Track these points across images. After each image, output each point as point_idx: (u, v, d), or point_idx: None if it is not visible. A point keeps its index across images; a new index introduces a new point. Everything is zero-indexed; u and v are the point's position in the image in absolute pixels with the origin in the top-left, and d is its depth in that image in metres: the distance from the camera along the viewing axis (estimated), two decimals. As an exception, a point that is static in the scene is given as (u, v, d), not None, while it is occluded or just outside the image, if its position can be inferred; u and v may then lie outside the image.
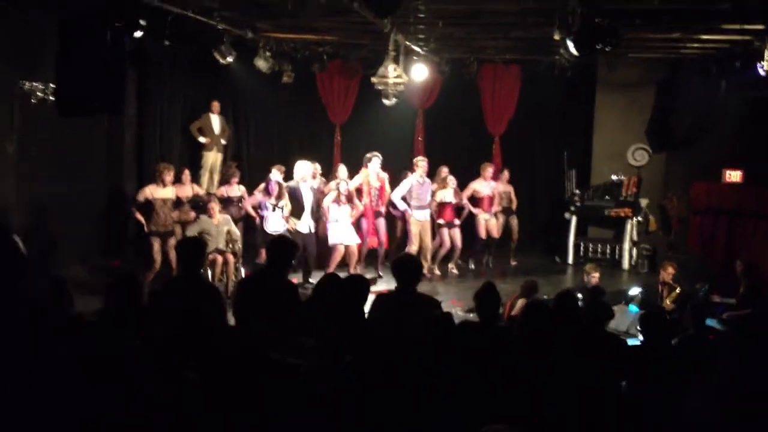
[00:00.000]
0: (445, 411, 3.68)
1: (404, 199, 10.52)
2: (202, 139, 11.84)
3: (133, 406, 3.16)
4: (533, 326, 4.50)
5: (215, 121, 11.99)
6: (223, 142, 12.11)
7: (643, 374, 4.68)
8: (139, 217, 9.42)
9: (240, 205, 10.43)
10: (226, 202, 10.27)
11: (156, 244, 9.31)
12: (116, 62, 8.99)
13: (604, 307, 5.35)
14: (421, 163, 10.57)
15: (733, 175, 11.34)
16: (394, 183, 10.69)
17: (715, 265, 10.60)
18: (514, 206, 11.91)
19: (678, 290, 8.43)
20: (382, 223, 10.63)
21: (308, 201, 9.87)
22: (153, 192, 9.39)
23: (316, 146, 12.82)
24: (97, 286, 6.34)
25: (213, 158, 11.93)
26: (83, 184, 10.04)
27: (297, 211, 9.80)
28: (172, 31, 8.91)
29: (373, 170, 10.44)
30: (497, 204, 11.58)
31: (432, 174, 10.91)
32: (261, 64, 10.61)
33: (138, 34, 7.99)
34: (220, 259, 9.34)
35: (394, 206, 10.70)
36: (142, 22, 7.84)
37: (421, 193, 10.50)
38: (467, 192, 11.30)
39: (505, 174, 11.86)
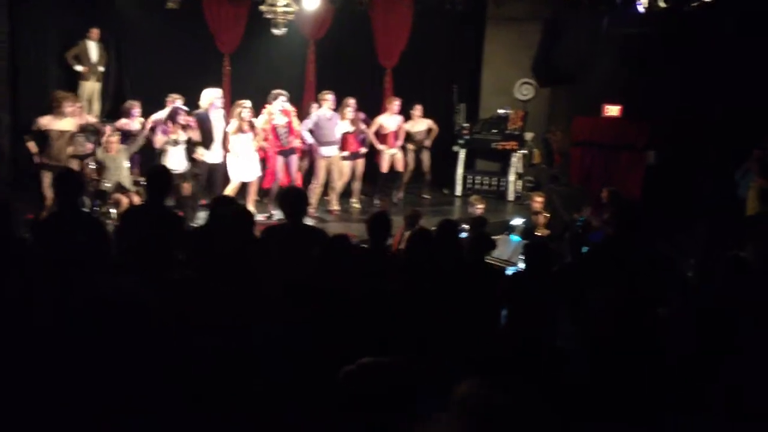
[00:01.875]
0: (332, 339, 3.77)
1: (312, 133, 10.22)
2: (78, 68, 11.28)
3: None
4: (416, 253, 4.64)
5: (92, 48, 11.43)
6: (101, 69, 11.56)
7: (522, 301, 4.88)
8: (31, 147, 8.81)
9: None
10: (126, 137, 9.61)
11: (47, 178, 8.57)
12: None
13: (486, 239, 5.55)
14: (328, 96, 10.21)
15: (612, 110, 11.82)
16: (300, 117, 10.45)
17: (593, 195, 11.12)
18: (429, 141, 11.65)
19: (546, 216, 8.92)
20: (294, 160, 10.25)
21: (218, 129, 9.50)
22: (50, 123, 8.73)
23: (204, 76, 12.38)
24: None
25: (90, 88, 11.41)
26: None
27: (206, 140, 9.41)
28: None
29: (278, 108, 10.01)
30: (401, 138, 11.41)
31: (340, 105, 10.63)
32: (143, -12, 10.15)
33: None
34: (124, 199, 8.87)
35: (303, 141, 10.35)
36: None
37: (328, 128, 10.19)
38: (373, 127, 11.13)
39: (418, 109, 11.53)
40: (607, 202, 8.80)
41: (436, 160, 12.43)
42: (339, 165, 10.54)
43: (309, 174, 10.74)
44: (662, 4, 8.54)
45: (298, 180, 10.40)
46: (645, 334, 3.52)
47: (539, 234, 8.83)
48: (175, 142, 9.22)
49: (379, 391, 1.84)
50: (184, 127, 9.25)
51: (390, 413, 1.80)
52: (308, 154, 10.65)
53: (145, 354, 2.48)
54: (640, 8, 9.10)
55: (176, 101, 9.86)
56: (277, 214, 9.48)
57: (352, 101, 10.67)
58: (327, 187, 10.53)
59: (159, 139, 9.30)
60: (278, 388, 3.19)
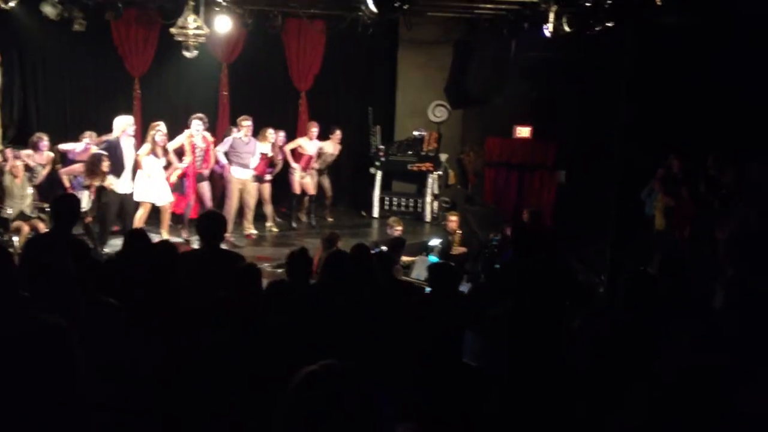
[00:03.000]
0: (259, 366, 3.73)
1: (226, 155, 10.15)
2: None
3: None
4: (331, 275, 4.63)
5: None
6: None
7: (433, 319, 4.93)
8: None
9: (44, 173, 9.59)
10: (29, 171, 9.29)
11: None
12: None
13: (387, 256, 5.63)
14: (245, 122, 10.20)
15: (523, 131, 12.17)
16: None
17: (506, 214, 11.39)
18: (319, 166, 11.73)
19: (459, 233, 9.18)
20: (206, 186, 10.17)
21: (129, 157, 9.28)
22: None
23: (115, 100, 12.13)
24: None
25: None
26: None
27: (116, 168, 9.16)
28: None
29: (197, 131, 9.88)
30: (315, 162, 11.49)
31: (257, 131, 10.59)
32: (48, 10, 9.89)
33: None
34: (26, 227, 8.57)
35: (218, 163, 10.27)
36: None
37: (244, 152, 10.17)
38: (292, 144, 11.21)
39: (337, 134, 11.70)
40: (528, 223, 9.02)
41: (353, 182, 12.52)
42: (251, 188, 10.47)
43: (222, 198, 10.61)
44: (567, 29, 8.84)
45: (209, 204, 10.25)
46: (547, 347, 3.60)
47: (455, 253, 8.98)
48: (87, 187, 8.96)
49: (340, 394, 1.82)
50: (100, 174, 8.98)
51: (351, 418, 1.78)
52: (221, 178, 10.54)
53: (66, 382, 2.39)
54: (546, 32, 9.39)
55: (90, 137, 9.62)
56: (193, 240, 9.32)
57: (281, 134, 11.02)
58: (240, 211, 10.43)
59: (66, 174, 9.06)
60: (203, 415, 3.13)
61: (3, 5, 9.22)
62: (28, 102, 12.16)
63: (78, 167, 9.40)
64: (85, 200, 8.93)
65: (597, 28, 8.42)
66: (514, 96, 11.99)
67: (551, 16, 9.15)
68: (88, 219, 9.01)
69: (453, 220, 9.41)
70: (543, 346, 3.64)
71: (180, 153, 9.77)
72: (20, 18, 10.50)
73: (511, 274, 5.08)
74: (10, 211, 8.69)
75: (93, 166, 8.97)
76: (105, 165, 8.97)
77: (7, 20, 10.51)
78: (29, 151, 9.56)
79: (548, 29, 9.27)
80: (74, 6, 10.53)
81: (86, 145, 9.72)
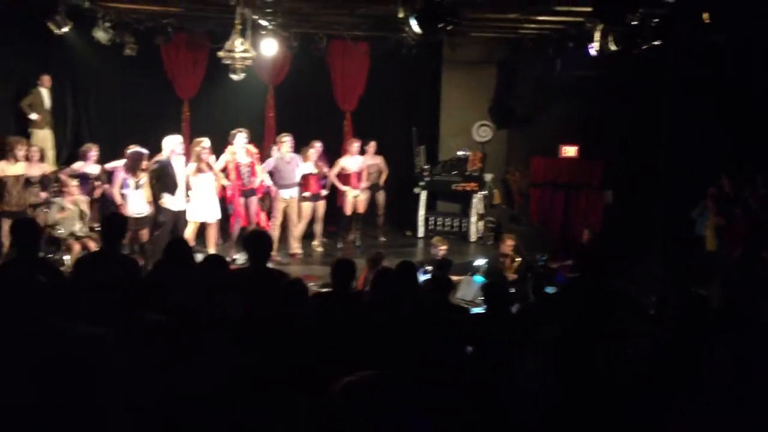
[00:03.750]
0: (302, 378, 3.74)
1: (271, 175, 10.25)
2: (33, 116, 11.12)
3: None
4: (381, 292, 4.61)
5: (45, 95, 11.29)
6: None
7: (485, 339, 4.90)
8: None
9: (96, 184, 9.82)
10: (81, 180, 9.53)
11: (5, 226, 8.52)
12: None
13: (444, 279, 5.57)
14: (285, 139, 10.26)
15: (569, 151, 12.05)
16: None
17: (553, 235, 11.27)
18: (382, 180, 11.66)
19: (519, 260, 8.89)
20: (254, 201, 10.18)
21: (181, 175, 9.40)
22: (4, 169, 8.64)
23: (164, 122, 12.37)
24: None
25: (43, 136, 11.19)
26: None
27: (169, 187, 9.27)
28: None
29: (240, 146, 9.97)
30: (365, 179, 11.44)
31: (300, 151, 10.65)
32: (100, 35, 10.13)
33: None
34: (77, 246, 8.77)
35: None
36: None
37: (287, 171, 10.21)
38: (335, 169, 11.13)
39: (371, 146, 11.58)
40: (587, 242, 8.91)
41: (398, 202, 12.51)
42: (298, 207, 10.53)
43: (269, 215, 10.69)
44: (613, 48, 8.75)
45: (258, 221, 10.32)
46: (606, 369, 3.54)
47: (507, 277, 8.80)
48: (137, 186, 9.14)
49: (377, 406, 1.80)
50: (143, 171, 9.18)
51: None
52: (268, 195, 10.63)
53: (112, 396, 2.43)
54: (592, 51, 9.32)
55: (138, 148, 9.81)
56: (240, 258, 9.41)
57: (317, 144, 10.79)
58: (286, 230, 10.48)
59: (116, 187, 9.23)
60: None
61: (57, 31, 9.48)
62: (80, 124, 12.48)
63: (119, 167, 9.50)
64: (139, 200, 9.12)
65: (644, 47, 8.31)
66: (559, 115, 11.91)
67: (597, 35, 9.08)
68: (144, 234, 9.16)
69: (509, 244, 9.10)
70: (596, 368, 3.57)
71: (225, 172, 9.89)
72: (73, 43, 10.78)
73: (569, 296, 4.99)
74: (62, 231, 8.90)
75: (134, 162, 9.14)
76: (144, 163, 9.14)
77: (61, 45, 10.81)
78: (80, 163, 9.83)
79: (594, 48, 9.20)
80: (126, 31, 10.79)
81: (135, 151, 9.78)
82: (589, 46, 9.32)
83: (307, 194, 10.62)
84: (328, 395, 1.81)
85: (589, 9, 8.44)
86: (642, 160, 10.95)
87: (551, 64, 11.27)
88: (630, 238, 10.32)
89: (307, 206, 10.66)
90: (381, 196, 11.75)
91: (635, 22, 7.87)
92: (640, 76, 10.45)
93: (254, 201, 10.20)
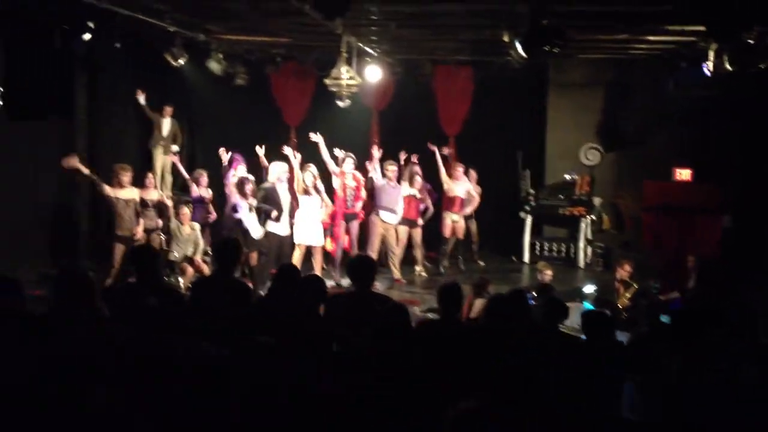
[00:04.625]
0: (407, 405, 3.72)
1: (373, 197, 10.42)
2: (157, 146, 11.65)
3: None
4: (496, 318, 4.52)
5: (165, 124, 11.80)
6: (175, 148, 11.84)
7: (590, 370, 4.74)
8: (92, 175, 9.04)
9: (210, 208, 10.21)
10: (194, 204, 9.94)
11: (119, 250, 8.94)
12: (66, 65, 8.91)
13: (560, 305, 5.41)
14: (390, 167, 10.44)
15: (683, 174, 11.58)
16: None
17: (667, 261, 10.82)
18: (470, 209, 11.68)
19: (635, 287, 8.59)
20: (355, 226, 10.42)
21: (285, 201, 9.67)
22: (115, 192, 8.96)
23: (272, 149, 12.71)
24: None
25: (162, 162, 11.75)
26: (34, 190, 9.85)
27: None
28: (123, 32, 8.83)
29: (348, 170, 10.29)
30: (467, 205, 11.48)
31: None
32: (213, 66, 10.55)
33: (87, 36, 7.92)
34: (190, 269, 9.10)
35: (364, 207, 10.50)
36: (91, 25, 7.75)
37: (391, 196, 10.39)
38: (446, 189, 11.24)
39: (473, 174, 11.68)
40: (692, 269, 8.53)
41: (502, 227, 12.39)
42: (397, 232, 10.58)
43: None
44: (728, 67, 8.38)
45: (349, 245, 10.48)
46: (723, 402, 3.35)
47: (620, 305, 8.48)
48: (250, 209, 9.38)
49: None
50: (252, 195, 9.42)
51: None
52: (367, 220, 10.71)
53: (226, 416, 2.49)
54: (707, 71, 8.96)
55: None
56: (344, 282, 9.52)
57: (418, 169, 10.88)
58: (386, 255, 10.53)
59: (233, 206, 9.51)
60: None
61: (174, 63, 9.94)
62: (195, 151, 13.00)
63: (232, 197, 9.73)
64: (255, 222, 9.35)
65: (761, 66, 7.93)
66: (671, 137, 11.50)
67: (711, 54, 8.74)
68: (254, 257, 9.40)
69: (627, 269, 8.75)
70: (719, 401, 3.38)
71: (330, 193, 10.06)
72: (189, 74, 11.27)
73: (688, 326, 4.76)
74: (176, 255, 9.25)
75: (242, 187, 9.37)
76: (249, 187, 9.35)
77: (178, 76, 11.31)
78: (194, 188, 10.18)
79: (708, 67, 8.85)
80: (237, 62, 11.20)
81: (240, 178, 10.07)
82: (704, 64, 8.98)
83: (402, 218, 10.65)
84: (442, 423, 1.79)
85: (702, 28, 8.14)
86: (762, 182, 10.42)
87: (663, 84, 10.91)
88: (750, 264, 9.81)
89: (402, 231, 10.72)
90: (473, 225, 11.79)
91: (751, 41, 7.53)
92: (756, 95, 9.97)
93: (355, 225, 10.40)
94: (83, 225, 10.89)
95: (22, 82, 8.42)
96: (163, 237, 9.53)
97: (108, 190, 8.98)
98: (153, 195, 9.59)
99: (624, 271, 8.72)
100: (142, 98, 11.41)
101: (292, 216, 9.73)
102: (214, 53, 10.49)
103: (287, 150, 10.02)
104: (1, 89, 8.56)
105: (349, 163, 10.26)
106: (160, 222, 9.57)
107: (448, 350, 4.32)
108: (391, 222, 10.41)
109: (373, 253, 10.22)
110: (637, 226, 12.04)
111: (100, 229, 9.77)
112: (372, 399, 3.58)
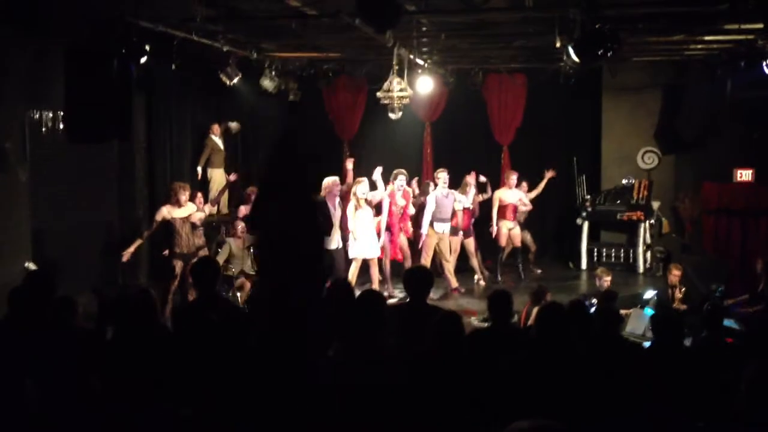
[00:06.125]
0: (460, 415, 3.70)
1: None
2: (232, 125, 11.90)
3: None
4: (549, 326, 4.47)
5: (219, 141, 11.97)
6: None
7: (655, 376, 4.64)
8: (145, 235, 9.24)
9: None
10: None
11: (178, 267, 8.94)
12: (123, 88, 9.13)
13: (613, 312, 5.33)
14: (441, 174, 10.35)
15: (745, 175, 11.30)
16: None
17: (731, 264, 10.56)
18: (523, 218, 11.70)
19: (684, 290, 8.49)
20: (404, 240, 10.44)
21: (336, 216, 9.65)
22: (170, 212, 8.97)
23: (325, 163, 12.80)
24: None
25: (220, 176, 11.91)
26: (95, 211, 10.10)
27: (326, 226, 9.31)
28: (178, 55, 9.02)
29: (399, 187, 10.19)
30: (520, 213, 11.46)
31: (458, 183, 10.74)
32: (267, 83, 10.70)
33: (144, 59, 8.11)
34: (247, 284, 9.21)
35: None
36: (147, 48, 7.95)
37: (444, 206, 10.29)
38: (494, 203, 11.17)
39: (524, 186, 11.67)
40: (762, 272, 8.32)
41: (559, 233, 12.25)
42: (450, 242, 10.53)
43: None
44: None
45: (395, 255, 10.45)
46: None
47: (676, 308, 8.36)
48: None
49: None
50: None
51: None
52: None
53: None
54: (767, 70, 8.74)
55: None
56: (399, 294, 9.52)
57: (471, 180, 10.79)
58: (440, 265, 10.49)
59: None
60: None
61: (228, 82, 10.12)
62: (250, 168, 13.17)
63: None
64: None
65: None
66: (731, 138, 11.23)
67: (771, 52, 8.53)
68: None
69: (676, 274, 8.70)
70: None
71: (379, 207, 10.07)
72: (242, 91, 11.45)
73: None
74: (233, 270, 9.38)
75: None
76: None
77: (232, 94, 11.51)
78: (245, 206, 10.32)
79: (768, 66, 8.64)
80: (289, 78, 11.34)
81: None
82: (764, 63, 8.76)
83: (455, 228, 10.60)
84: None
85: (760, 26, 7.94)
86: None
87: (722, 84, 10.67)
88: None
89: (456, 241, 10.69)
90: (527, 235, 11.80)
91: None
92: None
93: (403, 239, 10.44)
94: (143, 244, 11.10)
95: (81, 106, 8.64)
96: (218, 253, 9.60)
97: (163, 213, 8.95)
98: (200, 214, 9.62)
99: (674, 276, 8.70)
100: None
101: (345, 230, 9.76)
102: (267, 71, 10.64)
103: (349, 164, 10.05)
104: (62, 113, 8.83)
105: (401, 180, 10.16)
106: (204, 240, 9.52)
107: (494, 358, 4.29)
108: (442, 231, 10.36)
109: (426, 263, 10.20)
110: (697, 230, 11.78)
111: (159, 248, 9.91)
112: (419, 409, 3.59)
